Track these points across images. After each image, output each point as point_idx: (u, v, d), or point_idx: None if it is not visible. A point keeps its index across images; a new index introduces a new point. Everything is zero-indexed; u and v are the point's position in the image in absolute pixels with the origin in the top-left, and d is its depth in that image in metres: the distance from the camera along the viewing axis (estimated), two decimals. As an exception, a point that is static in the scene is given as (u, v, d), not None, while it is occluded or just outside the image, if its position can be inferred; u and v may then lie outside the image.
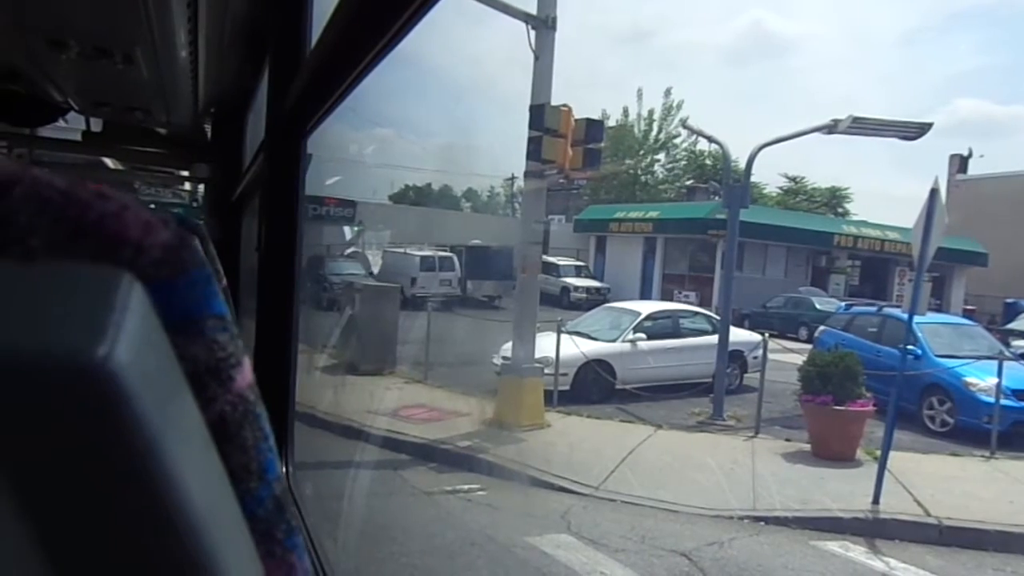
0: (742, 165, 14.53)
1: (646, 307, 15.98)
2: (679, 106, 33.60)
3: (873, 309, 15.84)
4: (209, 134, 4.31)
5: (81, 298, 0.27)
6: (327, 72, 1.45)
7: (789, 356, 13.20)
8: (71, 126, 4.27)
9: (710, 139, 17.22)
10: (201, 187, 6.90)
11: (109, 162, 5.91)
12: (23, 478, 0.25)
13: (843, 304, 18.27)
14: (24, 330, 0.26)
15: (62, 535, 0.26)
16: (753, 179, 17.66)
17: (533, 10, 11.10)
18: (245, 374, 0.39)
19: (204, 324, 0.37)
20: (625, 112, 34.66)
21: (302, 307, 2.24)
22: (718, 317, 14.51)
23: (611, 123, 31.68)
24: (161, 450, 0.27)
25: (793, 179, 36.45)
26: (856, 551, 7.55)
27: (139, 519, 0.27)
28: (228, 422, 0.38)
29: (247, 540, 0.36)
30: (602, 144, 13.37)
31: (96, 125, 4.22)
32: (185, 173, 6.04)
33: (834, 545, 7.62)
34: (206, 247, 0.38)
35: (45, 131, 4.32)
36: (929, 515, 8.09)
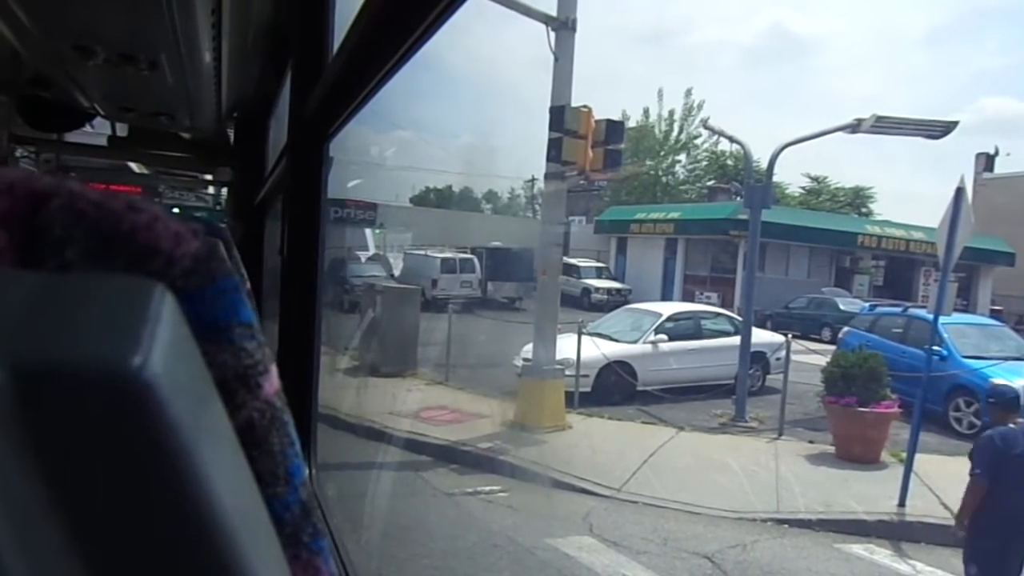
0: (764, 165, 14.40)
1: (667, 308, 15.91)
2: (700, 106, 33.40)
3: (898, 310, 15.66)
4: (232, 138, 4.36)
5: (116, 308, 0.28)
6: (349, 77, 1.46)
7: (812, 357, 13.07)
8: (97, 131, 4.33)
9: (731, 139, 17.13)
10: (224, 190, 6.97)
11: (134, 166, 5.98)
12: (61, 482, 0.26)
13: (867, 305, 18.07)
14: (61, 339, 0.26)
15: (97, 537, 0.27)
16: (775, 179, 17.59)
17: (553, 12, 11.10)
18: (272, 381, 0.40)
19: (232, 332, 0.37)
20: (645, 113, 34.55)
21: (324, 309, 2.25)
22: (740, 318, 14.44)
23: (631, 124, 31.54)
24: (193, 456, 0.28)
25: (816, 179, 36.11)
26: (881, 554, 7.47)
27: (171, 522, 0.28)
28: (256, 428, 0.39)
29: (275, 543, 0.37)
30: (622, 145, 13.35)
31: (122, 130, 4.28)
32: (208, 177, 6.11)
33: (859, 548, 7.56)
34: (230, 251, 0.38)
35: (72, 136, 4.39)
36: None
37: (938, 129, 13.84)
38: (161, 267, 0.35)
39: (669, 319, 14.58)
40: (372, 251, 26.09)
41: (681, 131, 34.39)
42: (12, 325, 0.26)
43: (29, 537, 0.25)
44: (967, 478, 5.77)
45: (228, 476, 0.30)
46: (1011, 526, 5.30)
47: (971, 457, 5.77)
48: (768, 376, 14.04)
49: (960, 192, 8.63)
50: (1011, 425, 5.70)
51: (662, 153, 34.82)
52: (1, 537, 0.24)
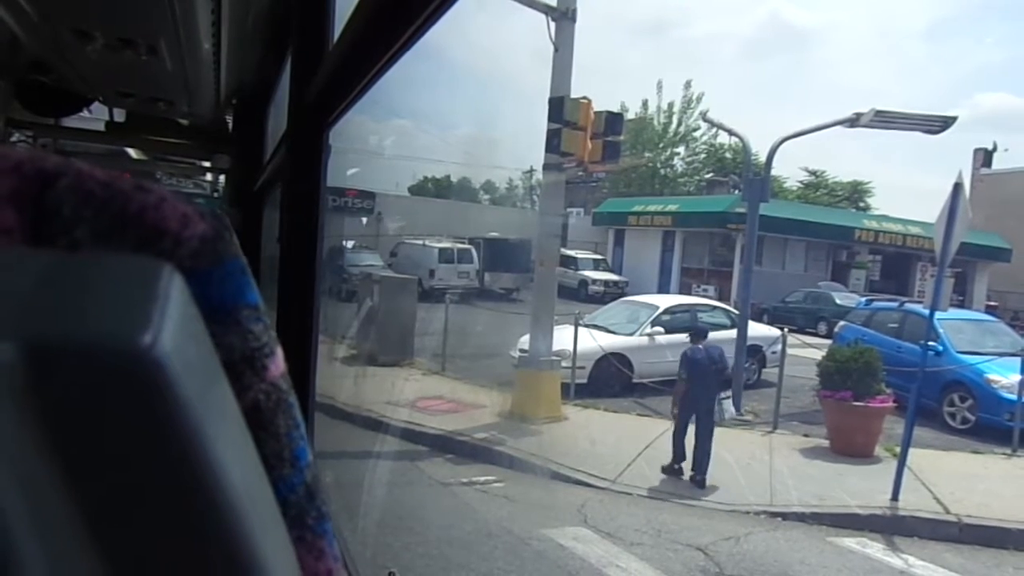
0: (762, 159, 14.38)
1: (664, 301, 15.92)
2: (699, 99, 33.28)
3: (894, 304, 15.69)
4: (231, 125, 4.34)
5: (125, 288, 0.28)
6: (350, 65, 1.46)
7: (808, 351, 13.12)
8: (95, 116, 4.31)
9: (730, 132, 17.12)
10: (222, 177, 6.95)
11: (132, 152, 5.96)
12: (72, 457, 0.26)
13: (863, 299, 18.09)
14: (72, 317, 0.26)
15: (107, 513, 0.27)
16: (774, 173, 17.55)
17: (553, 2, 11.07)
18: (278, 363, 0.40)
19: (239, 314, 0.38)
20: (644, 105, 34.44)
21: (322, 298, 2.25)
22: (737, 311, 14.45)
23: (630, 116, 31.45)
24: (201, 435, 0.28)
25: (814, 173, 36.12)
26: (874, 548, 7.51)
27: (179, 501, 0.28)
28: (262, 410, 0.39)
29: (280, 524, 0.37)
30: (621, 137, 13.32)
31: (119, 115, 4.25)
32: (206, 164, 6.09)
33: (852, 541, 7.59)
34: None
35: (69, 121, 4.37)
36: (949, 512, 8.03)
37: (937, 124, 13.83)
38: (169, 248, 0.35)
39: (666, 312, 14.59)
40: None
41: (680, 123, 34.27)
42: (23, 303, 0.26)
43: (40, 512, 0.26)
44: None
45: (235, 456, 0.30)
46: (696, 396, 9.06)
47: (680, 364, 9.40)
48: (764, 370, 14.10)
49: (958, 187, 8.62)
50: (699, 346, 9.43)
51: (661, 145, 34.70)
52: (13, 511, 0.25)
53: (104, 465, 0.27)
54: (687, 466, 8.98)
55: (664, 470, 9.08)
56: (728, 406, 9.49)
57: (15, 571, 0.24)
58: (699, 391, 9.07)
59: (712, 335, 14.06)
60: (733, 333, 13.16)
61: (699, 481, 8.77)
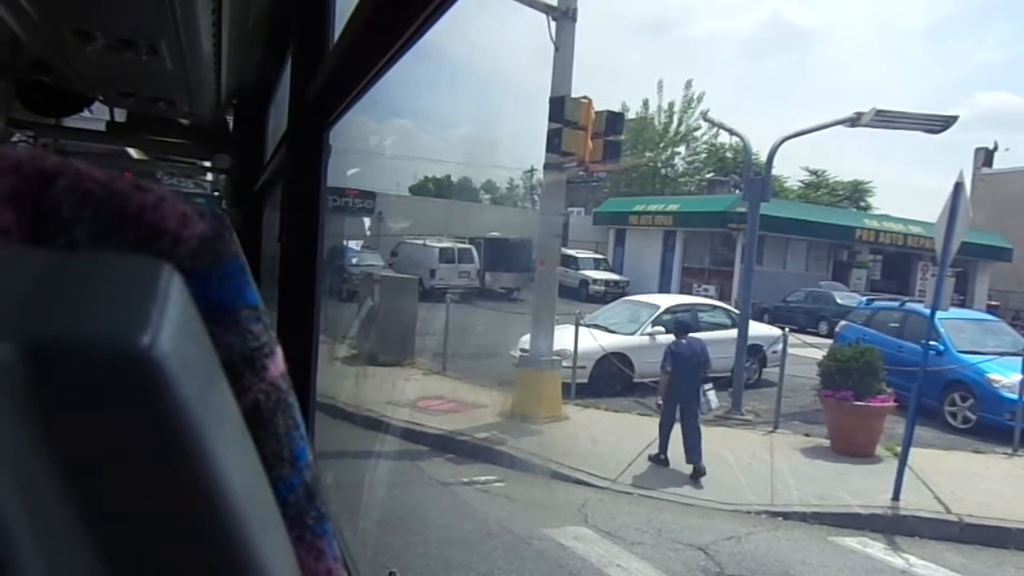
0: (763, 158, 14.36)
1: (665, 300, 15.92)
2: (700, 98, 33.24)
3: (895, 304, 15.68)
4: (231, 125, 4.34)
5: (124, 288, 0.28)
6: (350, 65, 1.46)
7: (809, 351, 13.11)
8: (96, 116, 4.31)
9: (731, 132, 17.08)
10: (222, 177, 6.95)
11: (133, 152, 5.96)
12: (71, 458, 0.26)
13: (864, 299, 18.08)
14: (71, 317, 0.26)
15: (105, 513, 0.27)
16: (774, 172, 17.56)
17: (554, 1, 11.07)
18: (278, 363, 0.40)
19: (239, 314, 0.38)
20: (645, 104, 34.40)
21: (322, 298, 2.25)
22: (737, 311, 14.44)
23: (631, 115, 31.44)
24: (201, 436, 0.28)
25: (815, 172, 36.10)
26: (875, 547, 7.50)
27: (178, 501, 0.28)
28: (262, 410, 0.39)
29: (280, 524, 0.37)
30: (622, 136, 13.32)
31: (120, 115, 4.26)
32: (207, 163, 6.10)
33: (852, 541, 7.59)
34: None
35: (70, 121, 4.37)
36: (950, 512, 8.03)
37: (937, 123, 13.81)
38: (168, 247, 0.35)
39: (667, 311, 14.55)
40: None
41: (681, 123, 34.24)
42: (22, 303, 0.26)
43: (39, 512, 0.26)
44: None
45: (234, 457, 0.30)
46: (680, 389, 9.41)
47: (664, 358, 9.76)
48: (764, 369, 14.09)
49: (959, 187, 8.61)
50: (683, 341, 9.72)
51: (661, 145, 34.66)
52: (11, 512, 0.25)
53: (103, 466, 0.27)
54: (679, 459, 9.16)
55: (651, 458, 9.46)
56: (712, 397, 9.85)
57: (13, 572, 0.24)
58: (683, 383, 9.39)
59: (713, 334, 14.21)
60: (734, 333, 13.16)
61: (697, 471, 8.99)
